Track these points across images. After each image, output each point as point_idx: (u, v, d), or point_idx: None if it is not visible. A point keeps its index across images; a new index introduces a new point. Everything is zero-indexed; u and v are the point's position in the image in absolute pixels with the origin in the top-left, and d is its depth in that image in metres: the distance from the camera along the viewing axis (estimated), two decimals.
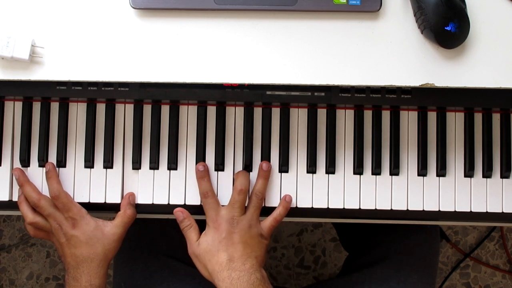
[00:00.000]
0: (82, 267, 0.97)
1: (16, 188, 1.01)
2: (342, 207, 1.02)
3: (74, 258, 0.97)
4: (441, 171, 1.02)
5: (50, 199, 0.98)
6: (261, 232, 0.99)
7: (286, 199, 1.00)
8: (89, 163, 1.01)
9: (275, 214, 1.00)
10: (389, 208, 1.02)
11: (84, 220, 0.97)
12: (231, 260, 0.95)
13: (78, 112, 1.02)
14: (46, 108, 1.02)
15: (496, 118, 1.03)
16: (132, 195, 1.01)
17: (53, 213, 0.97)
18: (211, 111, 1.03)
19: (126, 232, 1.00)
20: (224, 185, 1.02)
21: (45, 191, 1.00)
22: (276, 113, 1.03)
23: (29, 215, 0.98)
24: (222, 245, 0.96)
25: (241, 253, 0.96)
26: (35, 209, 0.98)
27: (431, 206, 1.02)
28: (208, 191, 0.98)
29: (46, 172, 0.99)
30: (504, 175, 1.02)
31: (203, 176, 0.99)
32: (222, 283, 0.94)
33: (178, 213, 1.00)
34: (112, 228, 0.98)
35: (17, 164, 1.01)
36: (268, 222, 1.00)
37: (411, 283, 1.13)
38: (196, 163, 1.01)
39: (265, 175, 1.00)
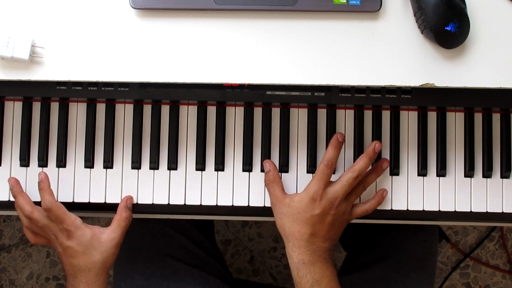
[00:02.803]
0: (80, 276, 0.95)
1: None
2: None
3: (72, 267, 0.96)
4: (441, 171, 1.02)
5: (43, 210, 0.96)
6: (348, 218, 0.99)
7: (383, 195, 1.00)
8: (89, 163, 1.01)
9: (367, 205, 1.00)
10: (389, 208, 1.02)
11: (79, 231, 0.96)
12: (313, 235, 0.95)
13: (78, 112, 1.02)
14: (46, 108, 1.02)
15: (496, 118, 1.03)
16: (130, 199, 1.00)
17: (48, 225, 0.96)
18: (211, 111, 1.03)
19: (124, 236, 0.99)
20: (224, 185, 1.02)
21: None
22: (276, 113, 1.03)
23: (26, 220, 0.98)
24: (311, 220, 0.95)
25: (325, 233, 0.96)
26: None
27: (431, 206, 1.02)
28: (334, 162, 0.96)
29: (38, 183, 0.97)
30: (504, 175, 1.02)
31: (338, 147, 0.97)
32: (296, 248, 0.95)
33: (266, 164, 1.00)
34: (110, 234, 0.97)
35: (17, 164, 1.01)
36: (358, 211, 1.00)
37: (410, 283, 1.13)
38: (196, 163, 1.01)
39: (380, 172, 1.00)
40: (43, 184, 0.97)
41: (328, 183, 0.96)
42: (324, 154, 0.97)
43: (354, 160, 1.01)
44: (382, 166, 1.00)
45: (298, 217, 0.95)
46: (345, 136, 0.99)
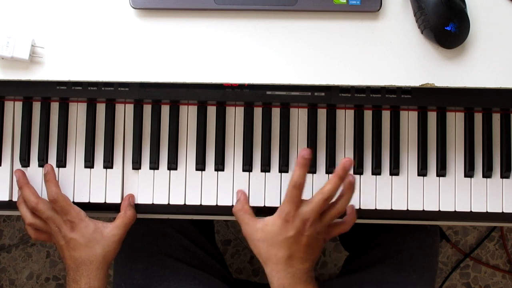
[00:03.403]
0: (82, 269, 0.96)
1: (16, 188, 1.01)
2: None
3: (74, 260, 0.97)
4: (441, 171, 1.02)
5: (48, 202, 0.98)
6: (325, 237, 0.97)
7: (353, 209, 0.98)
8: (89, 163, 1.01)
9: (344, 226, 0.98)
10: (389, 208, 1.02)
11: (83, 223, 0.97)
12: (290, 258, 0.93)
13: (78, 112, 1.02)
14: (46, 108, 1.02)
15: (496, 118, 1.03)
16: (132, 197, 1.01)
17: (52, 216, 0.97)
18: (211, 111, 1.03)
19: (126, 233, 1.00)
20: (224, 185, 1.02)
21: (45, 192, 0.99)
22: (276, 113, 1.03)
23: (28, 216, 0.98)
24: (286, 243, 0.93)
25: (303, 254, 0.93)
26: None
27: (431, 206, 1.02)
28: (302, 182, 0.93)
29: (44, 175, 0.99)
30: (504, 175, 1.02)
31: (304, 165, 0.93)
32: (275, 273, 0.93)
33: (238, 194, 1.00)
34: (112, 230, 0.98)
35: (17, 164, 1.01)
36: (334, 231, 0.98)
37: (410, 283, 1.13)
38: (196, 163, 1.01)
39: (351, 189, 0.95)
40: (49, 175, 0.98)
41: (300, 203, 0.94)
42: (292, 175, 0.93)
43: (354, 160, 1.02)
44: (350, 182, 0.94)
45: (273, 241, 0.93)
46: (311, 152, 0.95)
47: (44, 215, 0.97)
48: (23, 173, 1.00)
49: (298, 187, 0.93)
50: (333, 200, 0.95)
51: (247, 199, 0.99)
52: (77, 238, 0.96)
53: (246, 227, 0.96)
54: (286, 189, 0.94)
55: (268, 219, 0.95)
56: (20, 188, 0.99)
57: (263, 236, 0.94)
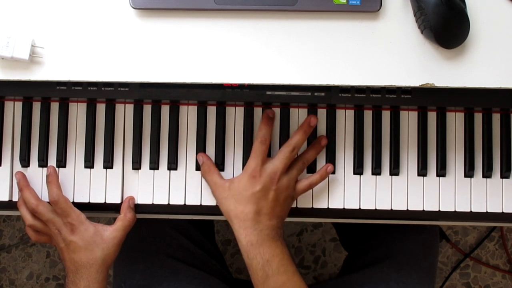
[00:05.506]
0: (81, 272, 0.96)
1: (16, 188, 1.01)
2: (342, 207, 1.02)
3: (73, 263, 0.97)
4: (441, 171, 1.02)
5: (48, 204, 0.98)
6: (293, 195, 0.98)
7: (327, 170, 0.99)
8: (89, 163, 1.01)
9: (311, 179, 0.99)
10: (389, 208, 1.02)
11: (83, 226, 0.97)
12: (258, 213, 0.94)
13: (78, 112, 1.02)
14: (46, 108, 1.02)
15: (496, 118, 1.03)
16: (132, 199, 1.01)
17: (52, 219, 0.97)
18: (211, 111, 1.03)
19: (126, 235, 1.00)
20: None
21: (45, 192, 0.99)
22: (276, 113, 1.03)
23: (29, 218, 0.98)
24: (253, 198, 0.95)
25: (270, 210, 0.95)
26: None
27: (431, 206, 1.02)
28: (268, 138, 0.97)
29: (47, 176, 0.99)
30: (504, 175, 1.02)
31: (269, 123, 0.98)
32: (242, 230, 0.94)
33: (199, 158, 1.00)
34: (112, 232, 0.98)
35: (17, 164, 1.01)
36: (302, 185, 0.99)
37: (410, 283, 1.13)
38: (196, 163, 1.01)
39: (318, 149, 1.00)
40: (52, 177, 0.98)
41: (265, 159, 0.97)
42: (257, 132, 0.98)
43: (355, 161, 1.02)
44: (320, 142, 1.00)
45: (240, 197, 0.95)
46: (274, 112, 1.00)
47: (44, 217, 0.97)
48: (24, 175, 1.00)
49: (264, 142, 0.97)
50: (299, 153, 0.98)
51: (211, 160, 1.00)
52: (77, 241, 0.96)
53: (215, 187, 0.98)
54: (252, 146, 0.97)
55: (236, 177, 0.98)
56: (20, 190, 0.99)
57: (230, 194, 0.96)
